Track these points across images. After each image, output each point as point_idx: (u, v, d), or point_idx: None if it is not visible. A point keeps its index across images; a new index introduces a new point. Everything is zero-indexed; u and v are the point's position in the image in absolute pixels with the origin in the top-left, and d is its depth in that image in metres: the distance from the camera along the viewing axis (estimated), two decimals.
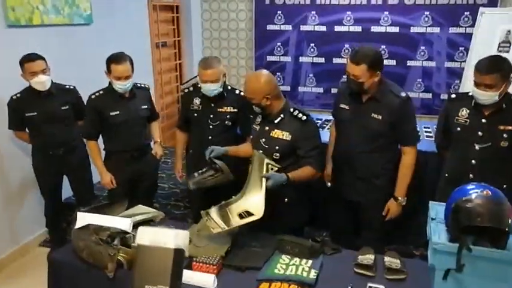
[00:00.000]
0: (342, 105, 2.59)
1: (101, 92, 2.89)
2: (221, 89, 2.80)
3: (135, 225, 2.13)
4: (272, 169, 2.19)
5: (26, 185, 3.38)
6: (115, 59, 2.77)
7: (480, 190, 1.60)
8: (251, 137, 2.51)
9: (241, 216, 2.01)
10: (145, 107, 3.01)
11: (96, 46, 3.94)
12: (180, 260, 0.93)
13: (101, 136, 3.01)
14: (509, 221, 1.53)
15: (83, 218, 2.03)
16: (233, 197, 2.11)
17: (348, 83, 2.49)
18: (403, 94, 2.42)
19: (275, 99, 2.32)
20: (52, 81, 2.98)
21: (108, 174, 2.95)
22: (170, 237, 0.91)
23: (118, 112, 2.86)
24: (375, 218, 2.64)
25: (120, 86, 2.80)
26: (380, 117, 2.42)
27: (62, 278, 2.03)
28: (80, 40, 3.78)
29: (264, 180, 2.09)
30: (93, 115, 2.90)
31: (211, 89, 2.76)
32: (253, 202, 2.03)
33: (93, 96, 2.88)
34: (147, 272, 0.89)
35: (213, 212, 2.08)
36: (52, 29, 3.52)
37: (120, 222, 2.02)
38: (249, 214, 2.00)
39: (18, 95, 2.98)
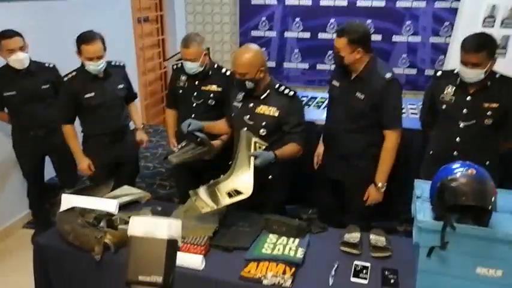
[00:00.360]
0: (334, 82, 2.60)
1: (74, 73, 2.72)
2: (201, 68, 2.76)
3: (121, 207, 2.14)
4: (260, 147, 2.19)
5: (8, 166, 3.31)
6: (85, 38, 2.60)
7: (465, 169, 1.62)
8: (232, 114, 2.46)
9: (230, 195, 2.02)
10: (122, 86, 2.86)
11: (74, 21, 3.81)
12: (174, 250, 0.92)
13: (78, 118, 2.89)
14: (493, 199, 1.56)
15: (68, 201, 2.01)
16: (221, 176, 2.10)
17: (333, 57, 2.50)
18: (388, 75, 2.36)
19: (266, 72, 2.31)
20: (31, 59, 2.89)
21: (85, 160, 2.84)
22: (163, 228, 0.90)
23: (93, 94, 2.71)
24: (358, 198, 2.65)
25: (93, 67, 2.65)
26: (362, 96, 2.41)
27: (48, 262, 2.02)
28: (57, 15, 3.65)
29: (252, 158, 2.08)
30: (67, 98, 2.75)
31: (190, 67, 2.74)
32: (241, 181, 2.03)
33: (65, 79, 2.72)
34: (141, 263, 0.88)
35: (202, 191, 2.08)
36: (28, 4, 3.39)
37: (106, 204, 2.01)
38: (238, 193, 2.01)
39: None
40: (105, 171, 2.85)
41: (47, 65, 3.04)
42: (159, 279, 0.86)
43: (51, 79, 3.00)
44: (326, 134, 2.69)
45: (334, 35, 2.42)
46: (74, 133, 2.84)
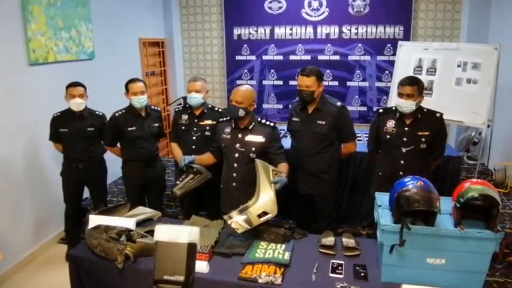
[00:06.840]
0: (294, 119, 2.66)
1: (123, 111, 2.85)
2: (203, 100, 2.82)
3: (138, 223, 2.08)
4: (276, 174, 2.14)
5: (51, 190, 3.24)
6: (131, 80, 2.80)
7: (415, 182, 1.64)
8: (222, 145, 2.43)
9: (259, 216, 1.94)
10: (157, 125, 2.94)
11: (97, 76, 3.83)
12: (193, 253, 0.89)
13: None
14: (438, 204, 1.58)
15: (95, 220, 1.95)
16: (249, 201, 2.00)
17: (300, 95, 2.52)
18: (339, 103, 2.54)
19: (254, 109, 2.35)
20: (86, 106, 2.89)
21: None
22: (184, 234, 0.88)
23: (134, 128, 2.82)
24: (326, 206, 2.68)
25: (136, 100, 2.76)
26: (324, 122, 2.51)
27: (82, 271, 1.92)
28: (84, 72, 3.64)
29: (273, 184, 2.04)
30: (113, 129, 2.85)
31: (194, 97, 2.78)
32: (267, 203, 1.96)
33: (116, 114, 2.83)
34: (166, 264, 0.85)
35: (235, 215, 1.97)
36: (62, 64, 3.41)
37: (126, 222, 1.95)
38: (265, 213, 1.94)
39: (58, 114, 2.90)
40: (137, 190, 2.95)
41: (97, 112, 3.01)
42: (181, 278, 0.83)
43: (97, 124, 2.96)
44: (294, 159, 2.63)
45: (299, 76, 2.47)
46: (118, 149, 2.97)
